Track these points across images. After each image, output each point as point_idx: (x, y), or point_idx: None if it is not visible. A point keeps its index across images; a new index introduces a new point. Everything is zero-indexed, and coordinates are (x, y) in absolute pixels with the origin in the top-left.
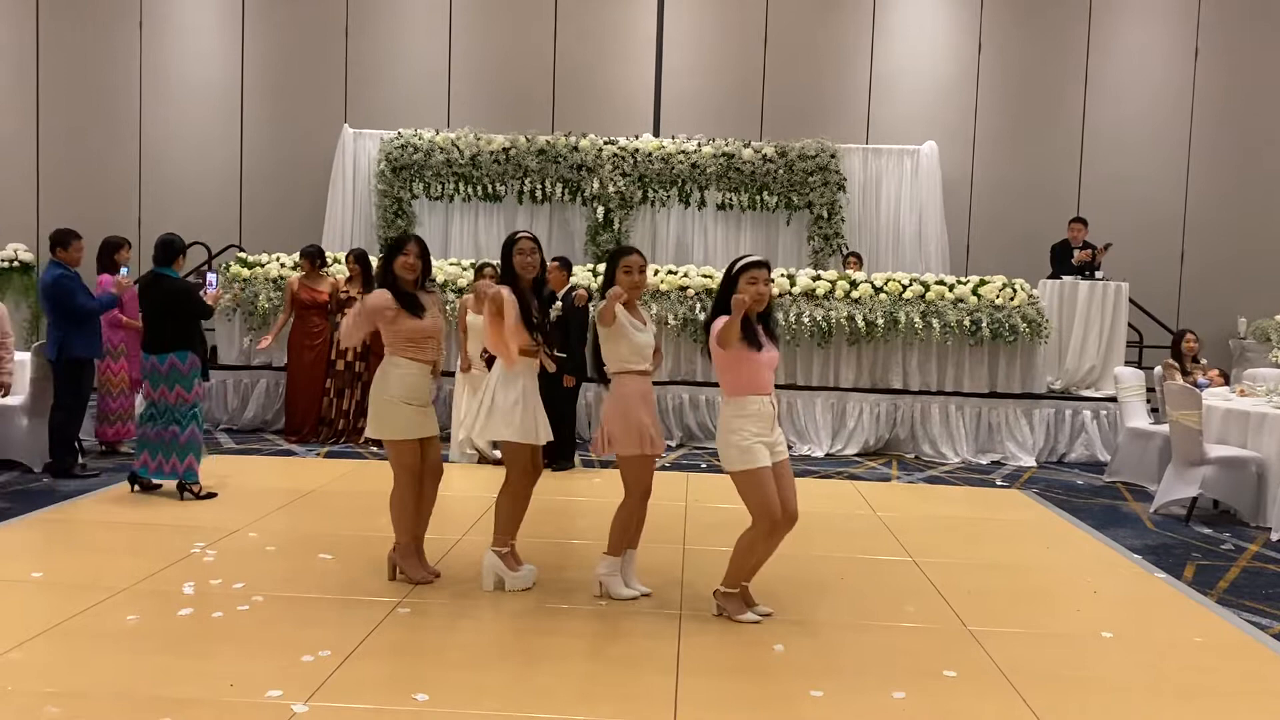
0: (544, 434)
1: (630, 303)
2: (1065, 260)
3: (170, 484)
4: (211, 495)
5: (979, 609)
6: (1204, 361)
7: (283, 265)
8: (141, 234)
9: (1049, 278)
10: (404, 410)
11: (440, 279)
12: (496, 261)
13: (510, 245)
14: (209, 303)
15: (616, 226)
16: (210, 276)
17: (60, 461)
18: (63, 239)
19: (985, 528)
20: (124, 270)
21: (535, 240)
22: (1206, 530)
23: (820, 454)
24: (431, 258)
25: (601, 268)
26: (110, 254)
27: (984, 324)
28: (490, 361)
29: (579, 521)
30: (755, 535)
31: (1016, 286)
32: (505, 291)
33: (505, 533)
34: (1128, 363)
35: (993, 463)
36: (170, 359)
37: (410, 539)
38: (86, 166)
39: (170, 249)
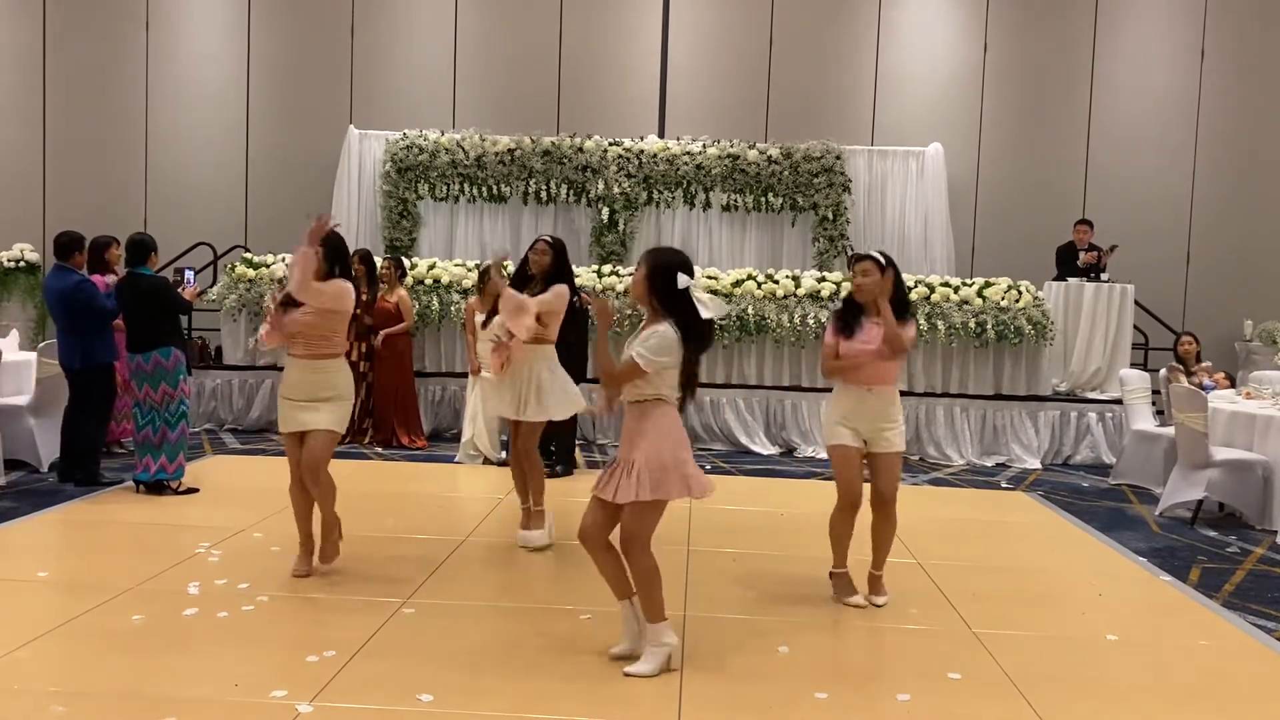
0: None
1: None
2: (1071, 262)
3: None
4: (192, 490)
5: (984, 612)
6: (1208, 364)
7: (288, 266)
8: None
9: (1054, 280)
10: (282, 405)
11: (445, 280)
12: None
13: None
14: (187, 298)
15: (621, 228)
16: (188, 274)
17: (88, 470)
18: (77, 245)
19: (990, 530)
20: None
21: (548, 242)
22: (1212, 533)
23: (825, 455)
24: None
25: (606, 269)
26: (100, 253)
27: (989, 326)
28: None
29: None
30: (834, 510)
31: (1022, 288)
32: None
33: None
34: (1133, 365)
35: (998, 465)
36: (154, 356)
37: (302, 532)
38: (92, 167)
39: (142, 248)
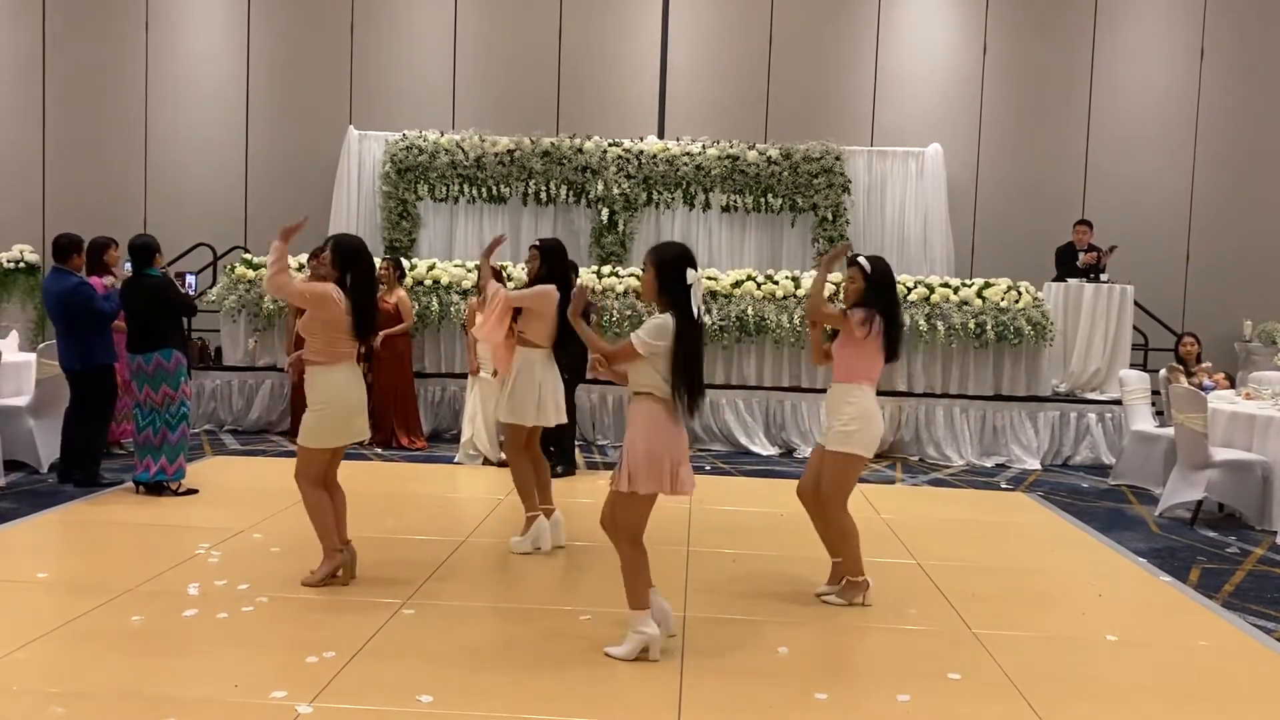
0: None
1: None
2: (1070, 263)
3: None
4: (192, 492)
5: (983, 612)
6: (1208, 364)
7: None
8: None
9: (1054, 280)
10: None
11: (445, 281)
12: (495, 262)
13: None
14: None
15: (621, 228)
16: (190, 279)
17: (88, 471)
18: (76, 247)
19: (989, 530)
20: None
21: (536, 247)
22: (1212, 534)
23: None
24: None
25: (606, 269)
26: (98, 255)
27: (989, 326)
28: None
29: (581, 524)
30: None
31: (1021, 289)
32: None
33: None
34: (1133, 365)
35: (997, 465)
36: (155, 358)
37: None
38: (92, 168)
39: (147, 250)
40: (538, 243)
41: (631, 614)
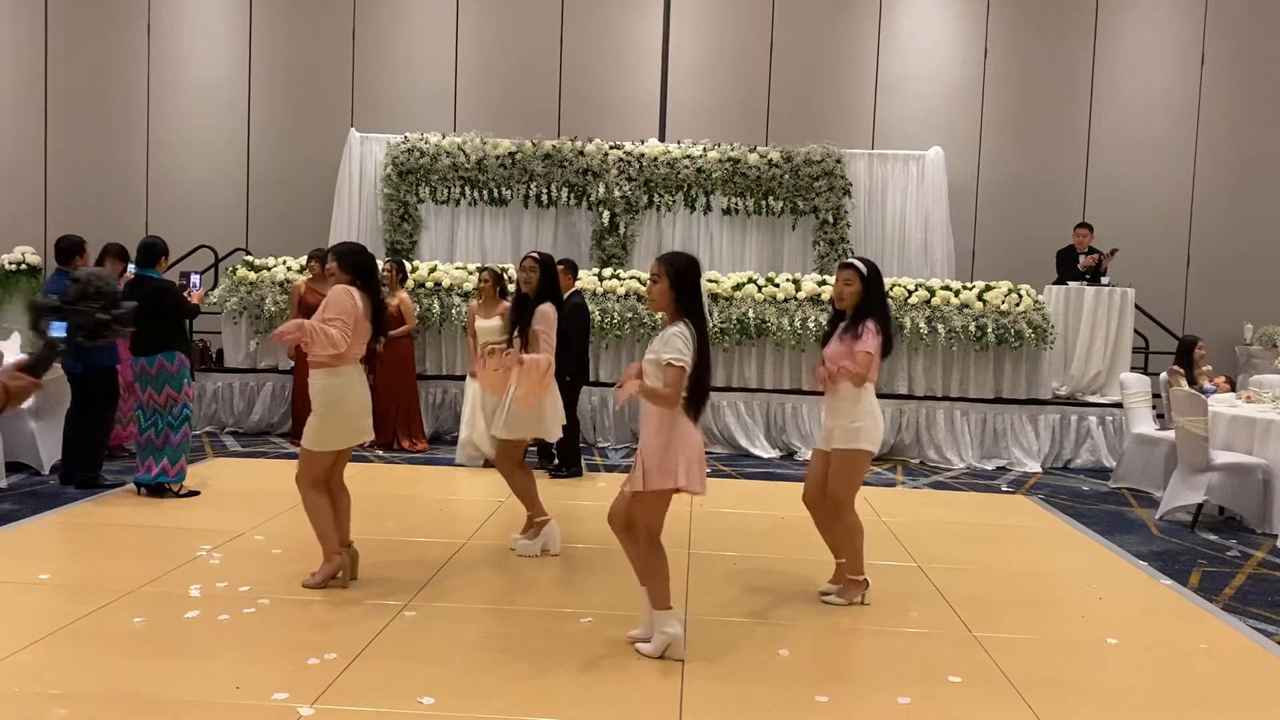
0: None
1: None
2: (1071, 266)
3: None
4: (194, 493)
5: (984, 614)
6: (1208, 368)
7: (289, 269)
8: None
9: (1054, 283)
10: None
11: (446, 282)
12: (495, 265)
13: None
14: (194, 302)
15: (622, 231)
16: (194, 278)
17: (89, 473)
18: (78, 249)
19: (990, 533)
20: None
21: (535, 259)
22: (1212, 537)
23: None
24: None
25: (607, 272)
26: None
27: (989, 329)
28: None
29: (583, 527)
30: None
31: (1022, 292)
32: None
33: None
34: (1133, 369)
35: (998, 468)
36: (158, 360)
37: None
38: (94, 171)
39: (152, 251)
40: (536, 254)
41: (655, 614)
